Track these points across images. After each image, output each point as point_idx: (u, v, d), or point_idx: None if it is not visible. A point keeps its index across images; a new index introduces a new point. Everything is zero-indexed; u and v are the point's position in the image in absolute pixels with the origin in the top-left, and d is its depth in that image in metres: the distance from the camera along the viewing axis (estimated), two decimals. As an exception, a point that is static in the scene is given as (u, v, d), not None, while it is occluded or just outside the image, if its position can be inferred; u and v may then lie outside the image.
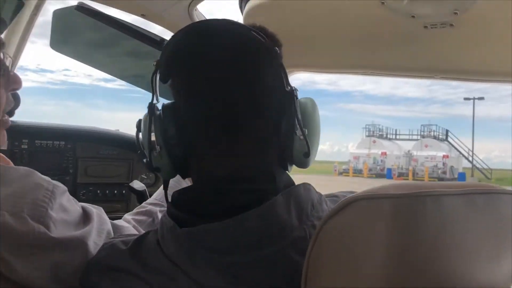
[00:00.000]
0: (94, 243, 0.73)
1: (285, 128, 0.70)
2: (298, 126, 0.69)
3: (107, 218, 0.83)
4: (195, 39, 0.71)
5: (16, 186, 0.65)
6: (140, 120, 0.73)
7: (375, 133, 46.30)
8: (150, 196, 1.57)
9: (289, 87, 0.69)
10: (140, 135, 0.73)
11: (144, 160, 0.74)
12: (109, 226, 0.81)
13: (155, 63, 0.72)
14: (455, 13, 1.05)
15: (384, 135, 46.34)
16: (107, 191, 1.71)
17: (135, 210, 1.08)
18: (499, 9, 1.02)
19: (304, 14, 1.26)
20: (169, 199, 0.72)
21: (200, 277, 0.61)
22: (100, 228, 0.77)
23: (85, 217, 0.76)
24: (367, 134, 46.19)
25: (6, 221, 0.62)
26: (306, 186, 0.71)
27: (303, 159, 0.70)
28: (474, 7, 1.03)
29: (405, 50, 1.29)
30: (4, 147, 0.80)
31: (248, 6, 1.27)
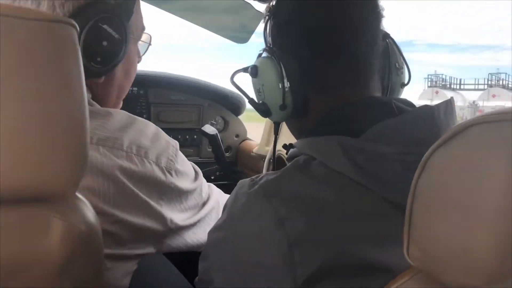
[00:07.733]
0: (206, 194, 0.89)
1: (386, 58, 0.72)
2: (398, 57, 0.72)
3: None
4: None
5: (154, 142, 0.78)
6: (255, 66, 0.71)
7: (438, 83, 44.17)
8: (221, 140, 1.58)
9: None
10: (256, 80, 0.71)
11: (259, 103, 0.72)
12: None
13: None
14: None
15: (448, 85, 44.14)
16: (179, 136, 1.73)
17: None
18: None
19: None
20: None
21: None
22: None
23: (195, 172, 0.88)
24: (429, 85, 44.17)
25: (153, 170, 0.75)
26: None
27: (400, 90, 0.74)
28: None
29: None
30: None
31: None
